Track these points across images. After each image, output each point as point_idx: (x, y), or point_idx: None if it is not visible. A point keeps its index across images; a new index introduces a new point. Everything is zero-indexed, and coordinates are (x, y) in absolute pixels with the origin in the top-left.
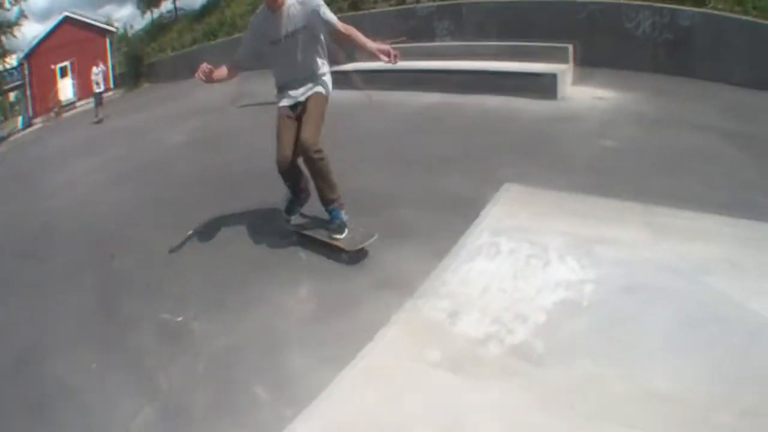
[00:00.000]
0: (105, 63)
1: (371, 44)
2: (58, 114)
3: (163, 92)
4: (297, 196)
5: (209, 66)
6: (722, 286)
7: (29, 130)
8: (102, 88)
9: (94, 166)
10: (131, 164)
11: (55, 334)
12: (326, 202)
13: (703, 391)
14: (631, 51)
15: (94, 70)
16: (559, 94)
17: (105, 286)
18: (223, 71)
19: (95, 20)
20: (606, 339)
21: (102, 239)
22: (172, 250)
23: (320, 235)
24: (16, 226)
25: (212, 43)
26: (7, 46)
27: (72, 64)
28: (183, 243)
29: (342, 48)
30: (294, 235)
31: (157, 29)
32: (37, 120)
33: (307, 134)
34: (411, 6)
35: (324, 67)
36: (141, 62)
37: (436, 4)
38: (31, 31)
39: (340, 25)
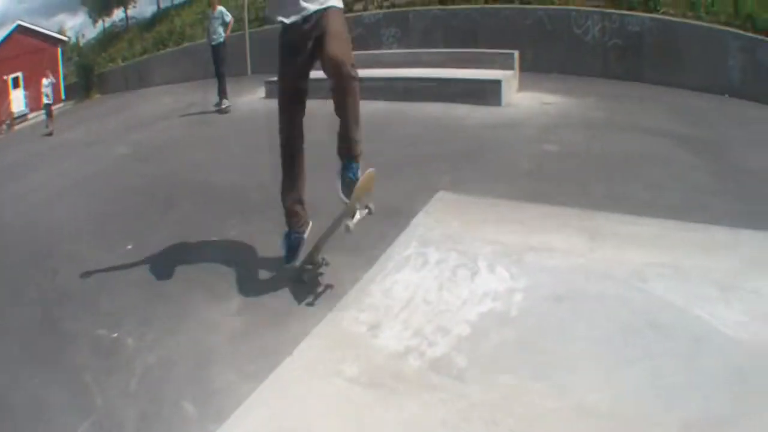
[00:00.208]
0: (56, 74)
1: None
2: (10, 126)
3: (113, 103)
4: (289, 221)
5: None
6: (662, 292)
7: None
8: (51, 100)
9: (41, 180)
10: (77, 178)
11: None
12: (352, 151)
13: (641, 404)
14: (581, 57)
15: (44, 81)
16: (504, 100)
17: (45, 302)
18: None
19: (47, 30)
20: (534, 351)
21: (44, 254)
22: (109, 266)
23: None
24: None
25: (162, 52)
26: None
27: (24, 74)
28: (121, 257)
29: None
30: (229, 249)
31: (108, 38)
32: None
33: (336, 50)
34: (359, 13)
35: None
36: (92, 72)
37: (383, 11)
38: None
39: None
